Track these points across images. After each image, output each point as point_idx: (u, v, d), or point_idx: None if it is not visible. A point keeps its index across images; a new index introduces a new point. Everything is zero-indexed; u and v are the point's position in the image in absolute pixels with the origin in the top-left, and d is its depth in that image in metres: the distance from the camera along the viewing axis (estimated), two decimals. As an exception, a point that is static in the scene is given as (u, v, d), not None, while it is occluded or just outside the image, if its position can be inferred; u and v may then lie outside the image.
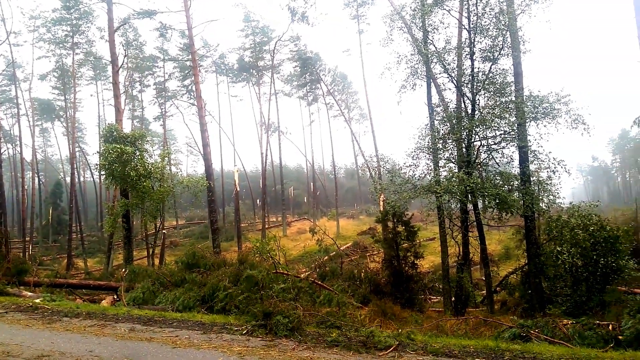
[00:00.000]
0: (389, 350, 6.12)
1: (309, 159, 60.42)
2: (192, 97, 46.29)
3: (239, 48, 49.64)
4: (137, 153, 19.71)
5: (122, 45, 42.31)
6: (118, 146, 18.52)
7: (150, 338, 7.18)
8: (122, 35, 42.90)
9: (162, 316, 9.13)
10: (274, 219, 54.07)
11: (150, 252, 22.98)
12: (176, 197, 23.24)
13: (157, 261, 22.40)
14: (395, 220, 15.52)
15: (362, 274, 16.03)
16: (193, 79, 32.40)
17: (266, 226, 42.05)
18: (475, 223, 14.97)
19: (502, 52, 13.90)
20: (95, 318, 8.86)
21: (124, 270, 16.68)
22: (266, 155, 44.56)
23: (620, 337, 7.22)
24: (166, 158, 21.59)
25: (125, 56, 36.78)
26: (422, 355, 5.99)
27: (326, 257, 20.55)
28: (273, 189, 59.02)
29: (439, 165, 14.93)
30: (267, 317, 7.56)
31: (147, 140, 21.72)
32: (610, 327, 7.91)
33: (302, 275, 14.89)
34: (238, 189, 36.20)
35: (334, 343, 6.53)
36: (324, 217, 50.62)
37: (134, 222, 29.00)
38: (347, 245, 31.77)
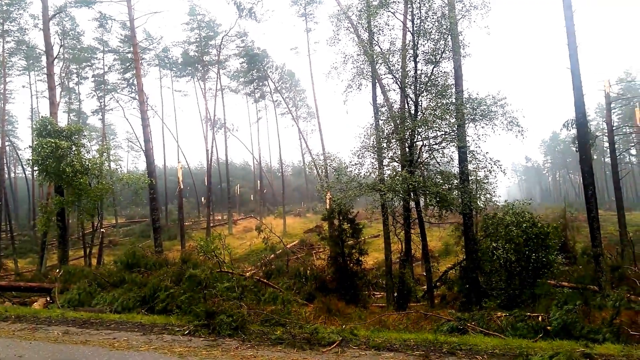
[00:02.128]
0: (332, 346, 6.20)
1: (256, 156, 60.00)
2: (133, 90, 44.58)
3: (184, 42, 48.43)
4: (74, 148, 18.76)
5: (58, 35, 39.92)
6: (52, 140, 17.55)
7: (86, 341, 6.88)
8: (57, 24, 40.52)
9: (99, 318, 8.77)
10: (220, 218, 53.13)
11: (88, 252, 22.00)
12: (115, 194, 22.33)
13: (94, 261, 21.45)
14: (341, 218, 15.71)
15: (308, 272, 16.12)
16: (134, 72, 31.19)
17: (211, 224, 41.21)
18: (417, 220, 15.44)
19: (443, 55, 14.40)
20: (26, 321, 8.37)
21: (58, 270, 15.85)
22: (211, 152, 43.78)
23: (549, 327, 7.69)
24: (105, 153, 20.66)
25: (61, 46, 34.88)
26: (364, 350, 6.12)
27: (272, 255, 20.51)
28: (219, 186, 58.00)
29: (383, 164, 15.27)
30: (210, 316, 7.44)
31: (85, 135, 20.73)
32: (540, 319, 8.41)
33: (248, 273, 14.78)
34: (182, 187, 35.25)
35: (278, 341, 6.54)
36: (271, 215, 50.37)
37: (70, 221, 27.62)
38: (294, 243, 31.78)
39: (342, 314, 11.99)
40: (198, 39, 47.31)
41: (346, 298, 14.00)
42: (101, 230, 23.32)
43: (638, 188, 70.27)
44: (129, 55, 40.91)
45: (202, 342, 6.74)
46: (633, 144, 50.58)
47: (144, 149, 26.24)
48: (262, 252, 20.12)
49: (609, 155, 25.67)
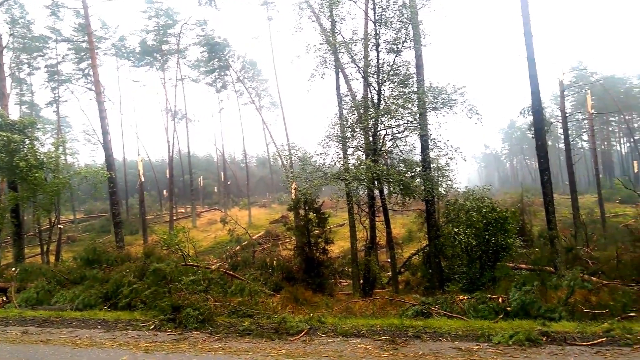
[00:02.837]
0: (300, 335, 6.24)
1: (219, 147, 59.16)
2: (89, 81, 42.89)
3: (142, 30, 46.91)
4: (27, 142, 17.98)
5: (7, 23, 38.01)
6: (4, 134, 16.76)
7: (47, 340, 6.66)
8: (6, 12, 38.47)
9: (59, 316, 8.51)
10: (183, 210, 52.26)
11: (45, 249, 21.20)
12: (73, 189, 21.52)
13: (52, 258, 20.74)
14: (306, 208, 15.72)
15: (275, 262, 16.09)
16: (90, 62, 30.10)
17: (174, 218, 40.55)
18: (381, 208, 15.64)
19: (405, 44, 14.52)
20: (-20, 323, 8.02)
21: (13, 269, 15.22)
22: (173, 143, 42.87)
23: (508, 308, 7.98)
24: (61, 147, 19.85)
25: (10, 35, 33.12)
26: (332, 337, 6.19)
27: (238, 247, 20.38)
28: (181, 179, 56.96)
29: (348, 153, 15.34)
30: (176, 310, 7.34)
31: (39, 128, 19.89)
32: (500, 300, 8.72)
33: (214, 266, 14.63)
34: (142, 180, 34.42)
35: (246, 332, 6.52)
36: (236, 206, 49.93)
37: (25, 217, 26.52)
38: (260, 234, 31.65)
39: (309, 302, 12.06)
40: (156, 28, 45.95)
41: (313, 287, 14.07)
42: (59, 226, 22.50)
43: (590, 172, 73.56)
44: (84, 45, 39.37)
45: (168, 336, 6.65)
46: (585, 130, 52.79)
47: (102, 141, 25.37)
48: (227, 244, 19.96)
49: (563, 141, 26.73)
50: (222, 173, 58.24)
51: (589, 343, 5.56)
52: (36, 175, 17.30)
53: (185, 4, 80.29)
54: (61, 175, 19.05)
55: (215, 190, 64.58)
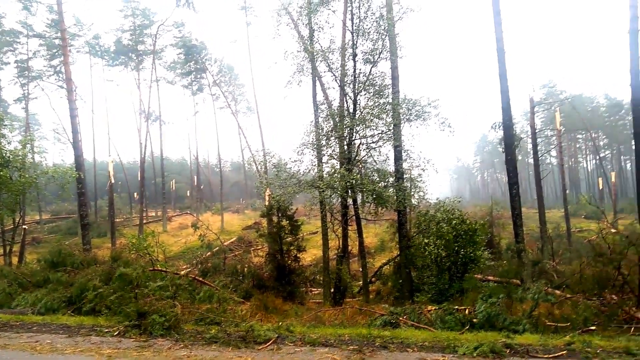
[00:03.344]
0: (268, 344, 6.19)
1: (193, 151, 58.42)
2: (60, 78, 41.89)
3: (117, 29, 46.17)
4: (-8, 138, 17.42)
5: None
6: (-34, 129, 16.20)
7: (5, 345, 6.42)
8: (-26, 4, 37.29)
9: (20, 320, 8.21)
10: (154, 214, 51.35)
11: (8, 250, 20.52)
12: (39, 188, 20.90)
13: (15, 260, 20.06)
14: (279, 215, 15.67)
15: (245, 269, 15.97)
16: (62, 59, 29.35)
17: (144, 221, 39.76)
18: (354, 217, 15.73)
19: (381, 55, 14.72)
20: None
21: (-28, 271, 14.64)
22: (145, 145, 42.15)
23: (474, 320, 8.12)
24: (28, 145, 19.28)
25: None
26: (300, 346, 6.16)
27: (209, 253, 20.09)
28: (153, 182, 55.97)
29: (323, 161, 15.40)
30: (141, 316, 7.18)
31: (5, 125, 19.23)
32: (467, 311, 8.86)
33: (183, 272, 14.41)
34: (113, 181, 33.69)
35: (212, 340, 6.43)
36: (208, 211, 49.36)
37: (-13, 217, 25.60)
38: (232, 240, 31.35)
39: (279, 311, 12.00)
40: (133, 27, 45.30)
41: (284, 295, 14.01)
42: (23, 226, 21.79)
43: (558, 187, 75.71)
44: (57, 41, 38.43)
45: (132, 343, 6.50)
46: (553, 146, 54.36)
47: (71, 141, 24.74)
48: (198, 250, 19.66)
49: (532, 156, 27.43)
50: (196, 177, 57.56)
51: (550, 356, 5.69)
52: (1, 173, 16.74)
53: (163, 5, 79.40)
54: (27, 174, 18.48)
55: (188, 194, 63.74)
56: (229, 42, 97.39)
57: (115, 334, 6.98)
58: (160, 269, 11.97)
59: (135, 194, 53.39)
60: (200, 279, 12.83)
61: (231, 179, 74.07)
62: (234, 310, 9.28)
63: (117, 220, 39.58)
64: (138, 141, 43.28)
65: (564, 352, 5.84)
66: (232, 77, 58.47)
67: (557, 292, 12.02)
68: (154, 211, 53.31)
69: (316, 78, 16.22)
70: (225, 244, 24.84)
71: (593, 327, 7.98)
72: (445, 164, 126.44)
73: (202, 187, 59.72)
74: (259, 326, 6.82)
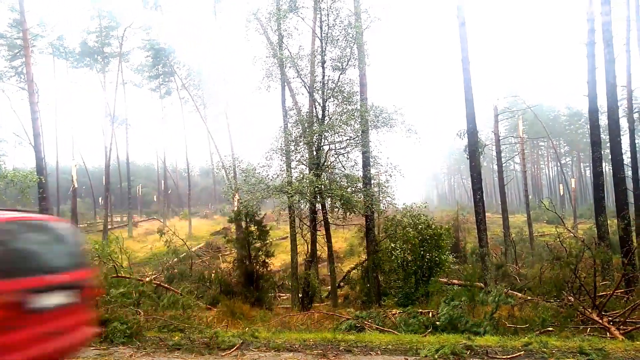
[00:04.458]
0: (232, 350, 6.16)
1: (161, 155, 57.35)
2: (22, 80, 40.46)
3: (83, 30, 45.07)
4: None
5: None
6: None
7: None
8: None
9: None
10: (119, 219, 50.11)
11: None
12: (-2, 193, 20.17)
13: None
14: (247, 220, 15.58)
15: (213, 275, 15.83)
16: (24, 59, 28.45)
17: (109, 227, 38.79)
18: (323, 222, 15.81)
19: (349, 63, 14.91)
20: None
21: None
22: (110, 149, 41.10)
23: (437, 322, 8.27)
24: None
25: None
26: (264, 352, 6.15)
27: (176, 259, 19.78)
28: (118, 186, 54.65)
29: (291, 166, 15.43)
30: (102, 324, 7.01)
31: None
32: (430, 315, 9.02)
33: (148, 278, 14.14)
34: (76, 186, 32.86)
35: (175, 347, 6.35)
36: (176, 217, 48.52)
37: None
38: (200, 245, 30.91)
39: (246, 316, 11.91)
40: (99, 29, 44.30)
41: (251, 301, 13.91)
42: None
43: (521, 193, 77.91)
44: (18, 42, 37.17)
45: (92, 351, 6.34)
46: (517, 153, 55.98)
47: (33, 144, 23.97)
48: (164, 256, 19.30)
49: (496, 162, 28.20)
50: (163, 182, 56.55)
51: (508, 357, 5.86)
52: (-45, 177, 16.09)
53: (130, 7, 77.91)
54: (-16, 178, 17.80)
55: (155, 199, 62.53)
56: (199, 45, 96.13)
57: (74, 342, 6.79)
58: (123, 275, 11.71)
59: (100, 198, 52.07)
60: (166, 285, 12.63)
61: (200, 183, 73.08)
62: (199, 316, 9.18)
63: (81, 225, 38.46)
64: (103, 145, 42.24)
65: (522, 352, 6.03)
66: (202, 80, 57.81)
67: (519, 294, 12.39)
68: (120, 216, 52.03)
69: (285, 84, 16.28)
70: (192, 249, 24.50)
71: (551, 328, 8.26)
72: (416, 170, 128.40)
73: (169, 192, 58.73)
74: (223, 332, 6.78)
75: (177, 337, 6.80)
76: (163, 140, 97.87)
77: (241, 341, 6.51)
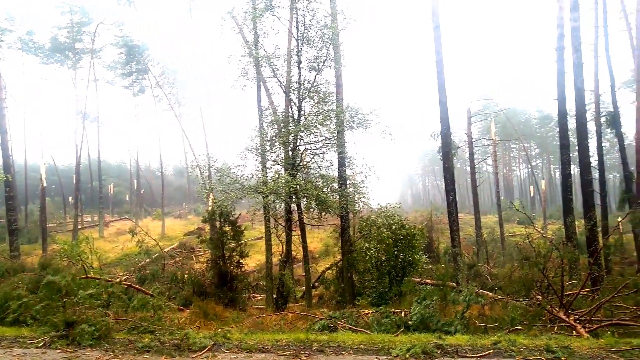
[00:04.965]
0: (203, 351, 6.08)
1: (134, 154, 56.33)
2: (-12, 75, 39.17)
3: (54, 26, 43.89)
4: None
5: None
6: None
7: None
8: None
9: None
10: (90, 219, 49.01)
11: None
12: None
13: None
14: (222, 220, 15.45)
15: (186, 276, 15.61)
16: (-10, 54, 27.55)
17: (79, 227, 37.90)
18: (298, 222, 15.79)
19: (325, 63, 14.92)
20: None
21: None
22: (81, 147, 40.23)
23: (409, 322, 8.36)
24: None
25: None
26: (236, 353, 6.09)
27: (148, 260, 19.47)
28: (89, 185, 53.46)
29: (266, 166, 15.36)
30: (69, 326, 6.84)
31: None
32: (403, 314, 9.11)
33: (119, 279, 13.87)
34: (45, 184, 31.91)
35: (145, 349, 6.23)
36: (149, 216, 47.78)
37: None
38: (173, 246, 30.49)
39: (219, 317, 11.81)
40: (70, 25, 43.21)
41: (225, 302, 13.79)
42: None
43: (493, 194, 79.43)
44: (-16, 35, 36.02)
45: (58, 354, 6.17)
46: (489, 155, 57.11)
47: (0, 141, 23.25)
48: (136, 256, 18.97)
49: (469, 164, 28.68)
50: (136, 181, 55.52)
51: (477, 355, 5.95)
52: None
53: (103, 3, 76.08)
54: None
55: (127, 198, 61.35)
56: (174, 43, 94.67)
57: (40, 345, 6.61)
58: (93, 276, 11.45)
59: (70, 198, 50.76)
60: (137, 286, 12.40)
61: (174, 183, 72.10)
62: (171, 318, 9.03)
63: (50, 225, 37.51)
64: (74, 143, 41.26)
65: (491, 351, 6.13)
66: (177, 79, 57.02)
67: (490, 293, 12.65)
68: (91, 216, 50.90)
69: (261, 83, 16.20)
70: (165, 250, 24.14)
71: (519, 327, 8.44)
72: (391, 171, 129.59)
73: (142, 191, 57.72)
74: (195, 334, 6.68)
75: (147, 339, 6.67)
76: (136, 138, 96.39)
77: (213, 342, 6.43)
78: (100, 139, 46.17)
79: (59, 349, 6.40)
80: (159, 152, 55.01)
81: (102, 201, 43.74)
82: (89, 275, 11.47)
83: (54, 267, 12.53)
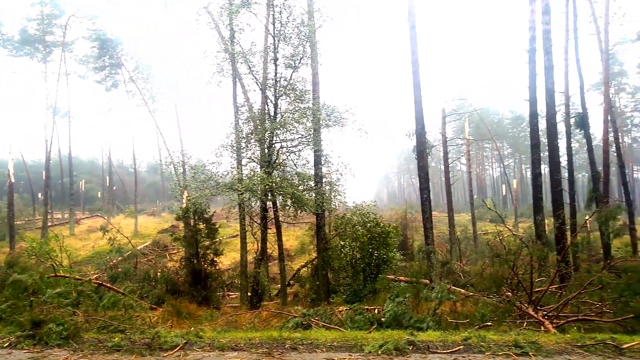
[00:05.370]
0: (175, 350, 6.01)
1: (106, 150, 55.21)
2: (-48, 66, 37.77)
3: (23, 17, 42.54)
4: None
5: None
6: None
7: None
8: None
9: None
10: (60, 216, 47.82)
11: None
12: None
13: None
14: (196, 218, 15.29)
15: (159, 274, 15.40)
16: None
17: (49, 224, 36.96)
18: (274, 220, 15.74)
19: (302, 61, 14.92)
20: None
21: None
22: (51, 142, 39.16)
23: (382, 319, 8.44)
24: None
25: None
26: (208, 352, 6.04)
27: (120, 258, 19.12)
28: (60, 182, 52.12)
29: (242, 163, 15.26)
30: (36, 326, 6.67)
31: None
32: (376, 311, 9.20)
33: (90, 277, 13.58)
34: (13, 180, 30.99)
35: (115, 348, 6.12)
36: (121, 214, 46.91)
37: None
38: (146, 244, 30.04)
39: (193, 316, 11.68)
40: (40, 16, 41.96)
41: (199, 300, 13.67)
42: None
43: (466, 192, 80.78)
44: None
45: (25, 354, 6.01)
46: (463, 154, 58.04)
47: (-37, 135, 22.47)
48: (107, 254, 18.60)
49: (443, 163, 29.07)
50: (108, 177, 54.44)
51: (448, 351, 6.05)
52: None
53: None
54: None
55: (99, 195, 60.11)
56: (148, 37, 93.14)
57: (5, 345, 6.42)
58: (62, 274, 11.17)
59: (39, 194, 49.43)
60: (108, 284, 12.16)
61: (147, 180, 71.01)
62: (142, 317, 8.89)
63: (18, 222, 36.43)
64: (44, 138, 40.14)
65: (461, 347, 6.24)
66: (150, 74, 56.04)
67: (462, 290, 12.85)
68: (61, 213, 49.67)
69: (237, 80, 16.07)
70: (138, 248, 23.76)
71: (490, 323, 8.61)
72: (367, 169, 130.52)
73: (115, 188, 56.64)
74: (166, 332, 6.59)
75: (117, 338, 6.56)
76: (109, 134, 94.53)
77: (185, 341, 6.36)
78: (72, 134, 45.22)
79: (25, 349, 6.24)
80: (132, 148, 54.18)
81: (72, 198, 42.70)
82: (58, 274, 11.18)
83: (21, 266, 12.12)
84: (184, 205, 16.43)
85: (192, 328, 7.44)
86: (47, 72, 42.81)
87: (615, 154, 21.92)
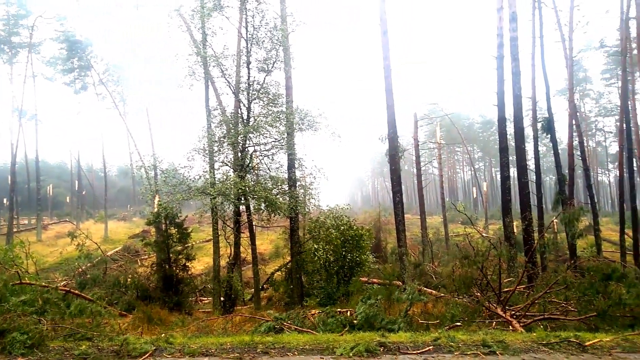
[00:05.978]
0: (144, 357, 5.92)
1: (75, 153, 53.86)
2: None
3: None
4: None
5: None
6: None
7: None
8: None
9: None
10: (27, 222, 46.38)
11: None
12: None
13: None
14: (167, 223, 15.09)
15: (129, 280, 15.10)
16: None
17: (14, 230, 35.81)
18: (247, 224, 15.67)
19: (275, 65, 14.94)
20: None
21: None
22: (17, 146, 37.99)
23: (355, 321, 8.50)
24: None
25: None
26: (178, 358, 5.98)
27: (89, 264, 18.68)
28: (26, 186, 50.55)
29: (215, 167, 15.14)
30: (-1, 335, 6.47)
31: None
32: (349, 313, 9.25)
33: (58, 284, 13.23)
34: (-24, 186, 29.92)
35: (82, 356, 5.99)
36: (91, 219, 45.79)
37: None
38: (116, 249, 29.44)
39: (164, 322, 11.52)
40: (6, 17, 40.71)
41: (170, 306, 13.50)
42: None
43: (438, 195, 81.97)
44: None
45: (-14, 365, 5.83)
46: (435, 158, 58.95)
47: None
48: (76, 261, 18.13)
49: (416, 166, 29.48)
50: (77, 182, 53.05)
51: (418, 351, 6.15)
52: None
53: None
54: None
55: (68, 200, 58.54)
56: (119, 39, 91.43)
57: (-35, 356, 6.21)
58: (28, 282, 10.84)
59: (4, 199, 47.79)
60: (76, 291, 11.86)
61: (118, 184, 69.59)
62: (111, 324, 8.71)
63: (-20, 229, 35.21)
64: (9, 142, 38.95)
65: (431, 347, 6.35)
66: (122, 76, 54.97)
67: (433, 291, 13.05)
68: (28, 219, 48.20)
69: (209, 83, 15.95)
70: (108, 253, 23.27)
71: (459, 323, 8.77)
72: (341, 173, 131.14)
73: (84, 192, 55.23)
74: (135, 339, 6.49)
75: (84, 346, 6.42)
76: (78, 137, 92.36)
77: (154, 347, 6.27)
78: (39, 138, 44.08)
79: (-13, 360, 6.04)
80: (102, 152, 52.91)
81: (40, 203, 41.46)
82: (24, 281, 10.84)
83: (-17, 273, 11.73)
84: (155, 210, 16.19)
85: (163, 334, 7.33)
86: (13, 74, 41.56)
87: (580, 158, 22.60)
